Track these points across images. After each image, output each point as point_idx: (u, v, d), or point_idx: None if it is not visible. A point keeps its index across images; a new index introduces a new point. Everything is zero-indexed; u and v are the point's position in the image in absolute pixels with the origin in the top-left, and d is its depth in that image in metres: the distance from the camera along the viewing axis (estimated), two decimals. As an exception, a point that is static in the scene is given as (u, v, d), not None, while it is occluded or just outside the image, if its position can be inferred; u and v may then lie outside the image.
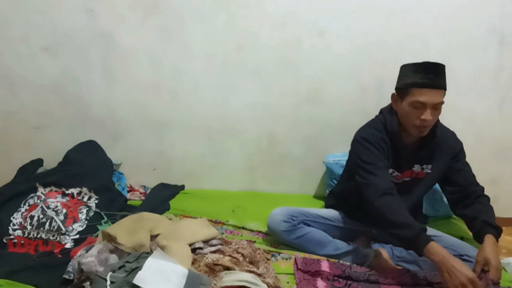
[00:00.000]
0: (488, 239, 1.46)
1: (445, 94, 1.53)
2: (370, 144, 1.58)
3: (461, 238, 1.84)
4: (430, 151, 1.64)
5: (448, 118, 2.18)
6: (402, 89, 1.54)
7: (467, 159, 1.72)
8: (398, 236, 1.43)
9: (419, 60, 2.11)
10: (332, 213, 1.78)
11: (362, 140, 1.60)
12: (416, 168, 1.66)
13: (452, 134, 1.72)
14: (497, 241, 1.50)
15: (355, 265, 1.58)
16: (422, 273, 1.51)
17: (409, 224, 1.40)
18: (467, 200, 1.62)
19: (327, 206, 1.92)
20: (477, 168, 1.71)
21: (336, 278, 1.48)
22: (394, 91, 1.61)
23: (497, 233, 1.50)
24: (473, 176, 1.68)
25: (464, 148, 1.74)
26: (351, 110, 1.79)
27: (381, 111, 1.68)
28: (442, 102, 1.51)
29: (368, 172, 1.55)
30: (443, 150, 1.65)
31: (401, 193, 1.67)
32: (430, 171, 1.67)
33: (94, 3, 2.01)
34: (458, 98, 2.17)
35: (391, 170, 1.65)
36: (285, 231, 1.68)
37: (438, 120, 1.63)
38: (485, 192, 1.65)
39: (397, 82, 1.59)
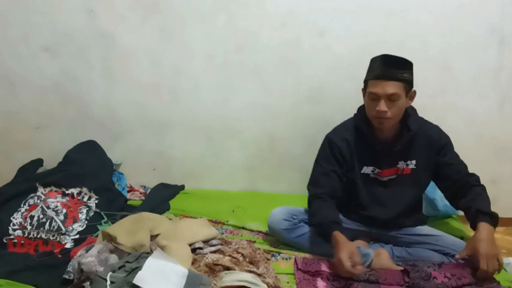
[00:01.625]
0: (481, 227, 1.46)
1: (405, 88, 1.53)
2: (329, 144, 1.69)
3: (461, 238, 1.83)
4: (409, 146, 1.64)
5: (448, 118, 2.20)
6: (364, 82, 1.62)
7: (468, 160, 1.72)
8: (320, 233, 1.61)
9: (419, 60, 2.11)
10: None
11: (326, 139, 1.72)
12: (401, 165, 1.67)
13: (436, 128, 1.71)
14: (494, 228, 1.49)
15: (355, 265, 1.59)
16: (423, 272, 1.50)
17: (322, 221, 1.56)
18: (461, 191, 1.62)
19: None
20: (477, 168, 1.71)
21: (335, 278, 1.48)
22: None
23: (492, 219, 1.49)
24: (465, 167, 1.68)
25: (464, 148, 1.74)
26: (350, 110, 1.79)
27: (358, 108, 1.73)
28: (397, 94, 1.51)
29: (315, 172, 1.70)
30: (425, 145, 1.66)
31: (391, 192, 1.69)
32: (415, 167, 1.67)
33: (94, 3, 2.01)
34: (458, 98, 2.17)
35: (371, 168, 1.67)
36: (286, 230, 1.68)
37: (415, 113, 1.66)
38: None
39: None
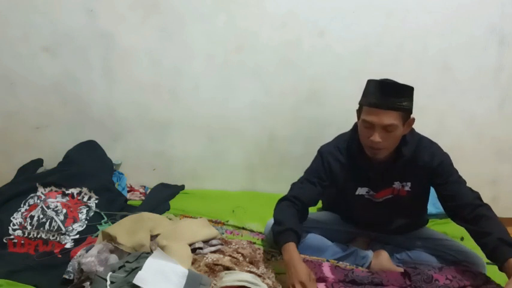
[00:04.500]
0: None
1: (402, 116, 1.41)
2: (321, 159, 1.62)
3: (462, 238, 1.83)
4: (404, 169, 1.54)
5: (448, 118, 2.20)
6: (359, 106, 1.50)
7: (468, 160, 1.71)
8: (274, 231, 1.50)
9: (419, 60, 2.12)
10: (329, 216, 1.77)
11: (320, 154, 1.64)
12: (397, 185, 1.58)
13: (429, 149, 1.55)
14: None
15: (355, 266, 1.58)
16: (424, 274, 1.50)
17: (283, 221, 1.48)
18: (465, 210, 1.46)
19: (324, 208, 1.92)
20: (477, 168, 1.71)
21: (339, 284, 1.47)
22: None
23: None
24: (463, 184, 1.53)
25: (465, 148, 1.72)
26: (350, 110, 1.78)
27: (354, 125, 1.62)
28: (393, 125, 1.39)
29: (300, 178, 1.64)
30: (418, 169, 1.54)
31: (387, 212, 1.64)
32: (410, 189, 1.58)
33: (94, 3, 2.01)
34: (458, 98, 2.17)
35: (366, 189, 1.60)
36: None
37: (413, 136, 1.54)
38: (485, 192, 1.60)
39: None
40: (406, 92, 1.42)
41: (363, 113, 1.45)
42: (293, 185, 1.65)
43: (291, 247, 1.40)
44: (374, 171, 1.56)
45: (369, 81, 1.47)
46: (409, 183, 1.59)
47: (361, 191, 1.61)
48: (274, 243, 1.56)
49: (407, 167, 1.55)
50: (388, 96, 1.39)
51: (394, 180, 1.59)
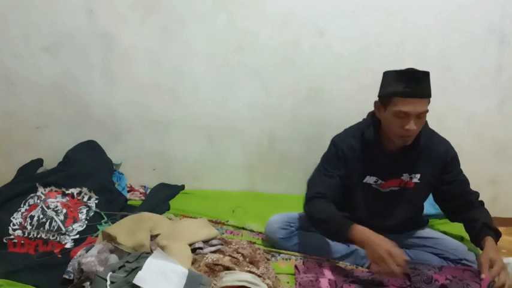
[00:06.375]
0: (490, 241, 1.47)
1: (429, 102, 1.46)
2: (335, 149, 1.62)
3: (461, 239, 1.83)
4: (415, 159, 1.58)
5: (448, 118, 2.20)
6: (385, 98, 1.49)
7: (468, 160, 1.71)
8: (327, 230, 1.52)
9: (419, 60, 2.12)
10: None
11: (333, 143, 1.65)
12: (405, 177, 1.60)
13: (443, 143, 1.63)
14: (496, 245, 1.50)
15: (355, 266, 1.58)
16: (424, 275, 1.50)
17: (332, 216, 1.48)
18: (464, 207, 1.60)
19: None
20: (477, 168, 1.71)
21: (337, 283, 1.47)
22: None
23: (497, 237, 1.51)
24: (467, 183, 1.64)
25: (465, 148, 1.73)
26: (350, 110, 1.79)
27: (368, 115, 1.64)
28: (426, 111, 1.44)
29: (318, 172, 1.63)
30: (431, 160, 1.59)
31: (391, 205, 1.65)
32: (418, 181, 1.61)
33: (94, 3, 2.01)
34: (458, 98, 2.17)
35: (374, 178, 1.61)
36: (283, 239, 1.68)
37: (426, 127, 1.58)
38: (485, 192, 1.64)
39: (380, 90, 1.53)
40: (429, 77, 1.46)
41: (395, 104, 1.43)
42: (311, 181, 1.64)
43: (359, 228, 1.40)
44: (386, 159, 1.58)
45: (391, 72, 1.48)
46: (418, 175, 1.61)
47: (369, 179, 1.62)
48: (332, 237, 1.56)
49: (420, 158, 1.58)
50: (422, 85, 1.43)
51: (403, 172, 1.60)
